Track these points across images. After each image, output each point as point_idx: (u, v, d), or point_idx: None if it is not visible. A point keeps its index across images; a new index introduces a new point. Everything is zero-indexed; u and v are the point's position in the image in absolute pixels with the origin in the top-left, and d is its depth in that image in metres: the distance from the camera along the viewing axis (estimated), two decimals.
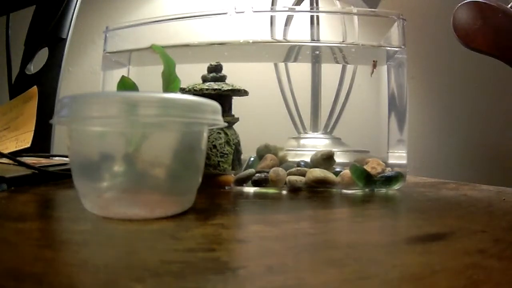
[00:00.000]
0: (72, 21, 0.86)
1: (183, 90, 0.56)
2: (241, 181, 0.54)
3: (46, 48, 0.85)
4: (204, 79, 0.57)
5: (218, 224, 0.33)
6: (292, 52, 0.64)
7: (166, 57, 0.50)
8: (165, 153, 0.36)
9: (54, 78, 0.81)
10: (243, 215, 0.39)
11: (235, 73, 0.59)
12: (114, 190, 0.34)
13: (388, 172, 0.55)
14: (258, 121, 0.63)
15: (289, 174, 0.54)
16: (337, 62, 0.66)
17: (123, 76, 0.49)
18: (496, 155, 1.16)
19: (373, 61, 0.60)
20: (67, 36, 0.85)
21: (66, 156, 0.67)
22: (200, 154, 0.38)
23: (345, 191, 0.54)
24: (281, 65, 0.74)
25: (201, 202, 0.42)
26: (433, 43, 1.14)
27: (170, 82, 0.51)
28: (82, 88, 1.04)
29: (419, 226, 0.33)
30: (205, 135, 0.38)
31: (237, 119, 0.57)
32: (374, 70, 0.61)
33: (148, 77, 0.60)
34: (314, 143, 0.69)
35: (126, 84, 0.50)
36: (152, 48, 0.53)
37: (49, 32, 0.84)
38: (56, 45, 0.84)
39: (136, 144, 0.34)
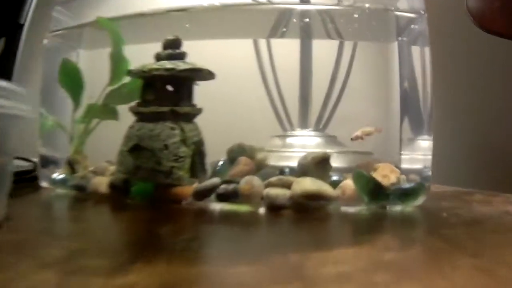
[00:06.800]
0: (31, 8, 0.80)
1: (130, 73, 0.47)
2: (202, 195, 0.41)
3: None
4: (158, 57, 0.46)
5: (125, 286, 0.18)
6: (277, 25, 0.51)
7: (114, 33, 0.46)
8: None
9: (10, 66, 0.78)
10: (179, 263, 0.23)
11: (202, 54, 0.48)
12: None
13: (405, 182, 0.41)
14: (230, 114, 0.53)
15: (268, 185, 0.39)
16: (334, 38, 0.53)
17: (64, 59, 0.46)
18: (499, 157, 1.06)
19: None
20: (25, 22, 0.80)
21: None
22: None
23: (346, 208, 0.40)
24: (263, 43, 0.61)
25: (128, 230, 0.31)
26: (438, 39, 1.03)
27: (117, 63, 0.48)
28: None
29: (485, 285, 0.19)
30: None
31: (200, 111, 0.46)
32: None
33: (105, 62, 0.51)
34: (303, 143, 0.57)
35: (68, 68, 0.48)
36: (98, 22, 0.49)
37: (5, 19, 0.79)
38: (14, 32, 0.79)
39: None
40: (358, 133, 0.47)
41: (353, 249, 0.26)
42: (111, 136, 0.49)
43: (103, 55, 0.50)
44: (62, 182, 0.49)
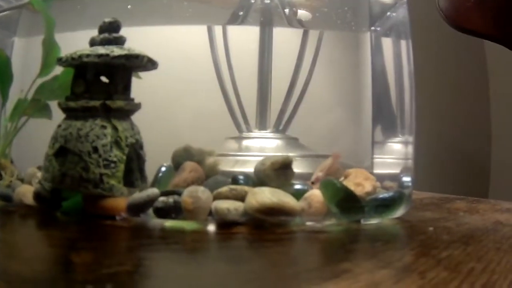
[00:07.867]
0: None
1: (60, 61, 0.40)
2: (136, 209, 0.33)
3: None
4: (92, 43, 0.40)
5: None
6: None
7: (46, 15, 0.42)
8: None
9: None
10: None
11: (147, 42, 0.42)
12: None
13: (382, 192, 0.35)
14: (177, 111, 0.47)
15: (217, 197, 0.32)
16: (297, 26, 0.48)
17: None
18: (468, 161, 1.11)
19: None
20: None
21: None
22: None
23: (312, 223, 0.33)
24: (217, 30, 0.55)
25: (38, 257, 0.23)
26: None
27: (49, 51, 0.44)
28: None
29: None
30: None
31: (138, 106, 0.39)
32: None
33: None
34: (261, 145, 0.52)
35: None
36: (31, 4, 0.46)
37: None
38: None
39: None
40: (318, 173, 0.41)
41: (330, 285, 0.19)
42: (46, 136, 0.43)
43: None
44: None
